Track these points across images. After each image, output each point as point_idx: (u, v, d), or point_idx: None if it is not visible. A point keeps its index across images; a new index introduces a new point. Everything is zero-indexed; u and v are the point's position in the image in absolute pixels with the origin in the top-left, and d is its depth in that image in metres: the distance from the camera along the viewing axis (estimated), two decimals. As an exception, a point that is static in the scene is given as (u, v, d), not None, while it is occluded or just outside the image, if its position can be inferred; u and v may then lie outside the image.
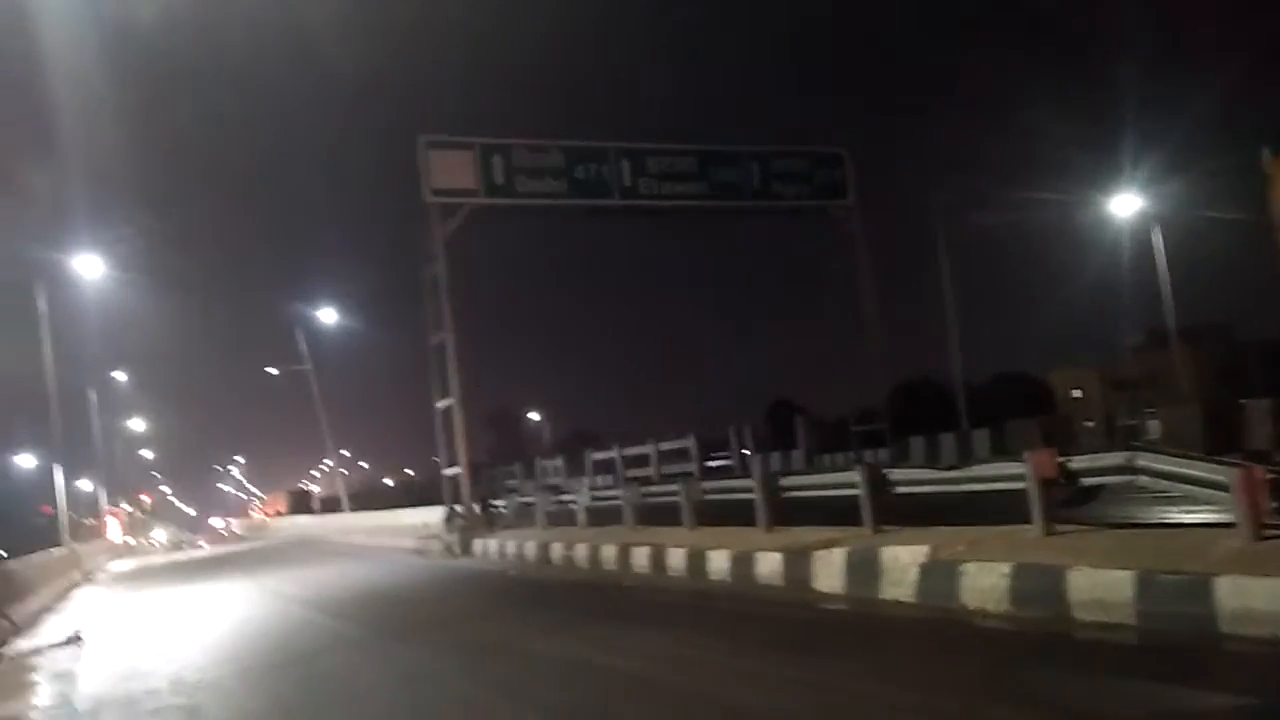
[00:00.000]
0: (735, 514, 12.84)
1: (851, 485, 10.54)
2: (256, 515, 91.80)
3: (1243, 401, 16.77)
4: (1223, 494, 7.09)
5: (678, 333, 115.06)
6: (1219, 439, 14.61)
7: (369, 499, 50.82)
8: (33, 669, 10.34)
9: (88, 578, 25.77)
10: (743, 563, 10.43)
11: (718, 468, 24.89)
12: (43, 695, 8.43)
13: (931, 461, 19.88)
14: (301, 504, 65.26)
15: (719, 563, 10.87)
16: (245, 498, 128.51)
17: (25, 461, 56.42)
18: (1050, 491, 8.49)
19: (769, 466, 24.47)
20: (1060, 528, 8.43)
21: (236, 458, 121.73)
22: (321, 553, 27.11)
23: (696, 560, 11.30)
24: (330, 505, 52.41)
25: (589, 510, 17.79)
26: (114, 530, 48.60)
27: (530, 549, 16.37)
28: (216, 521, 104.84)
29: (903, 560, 8.42)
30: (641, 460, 25.23)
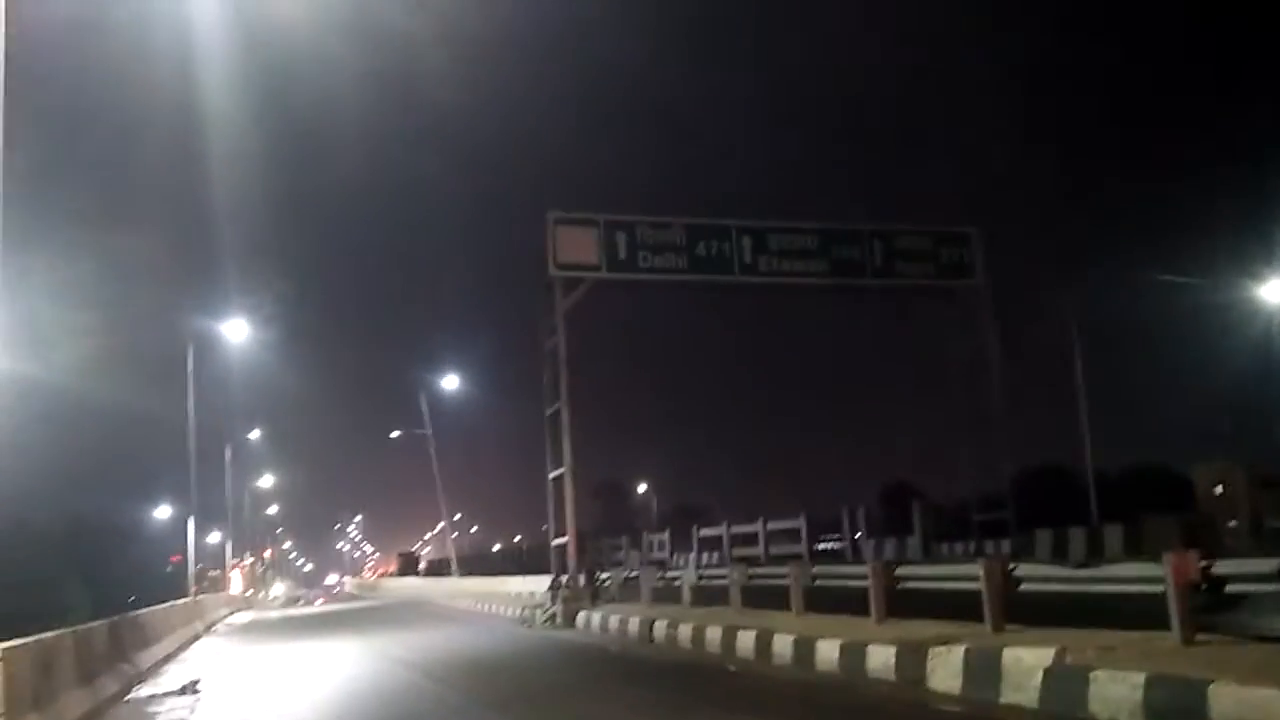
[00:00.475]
0: (846, 601, 12.39)
1: (972, 578, 10.04)
2: (369, 574, 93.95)
3: None
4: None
5: (792, 410, 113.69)
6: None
7: (477, 563, 51.45)
8: (151, 716, 10.68)
9: (209, 629, 26.71)
10: (853, 654, 10.01)
11: (828, 551, 24.25)
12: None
13: (1059, 556, 18.87)
14: (410, 566, 67.20)
15: (828, 652, 10.46)
16: (360, 556, 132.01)
17: (162, 513, 59.48)
18: (1191, 598, 7.90)
19: (883, 552, 23.69)
20: (1201, 637, 7.80)
21: (355, 517, 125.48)
22: (429, 615, 27.43)
23: (804, 648, 10.91)
24: (440, 568, 53.25)
25: (694, 588, 17.49)
26: (236, 583, 50.40)
27: (633, 625, 16.15)
28: (331, 578, 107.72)
29: (1026, 663, 7.91)
30: (750, 539, 24.78)
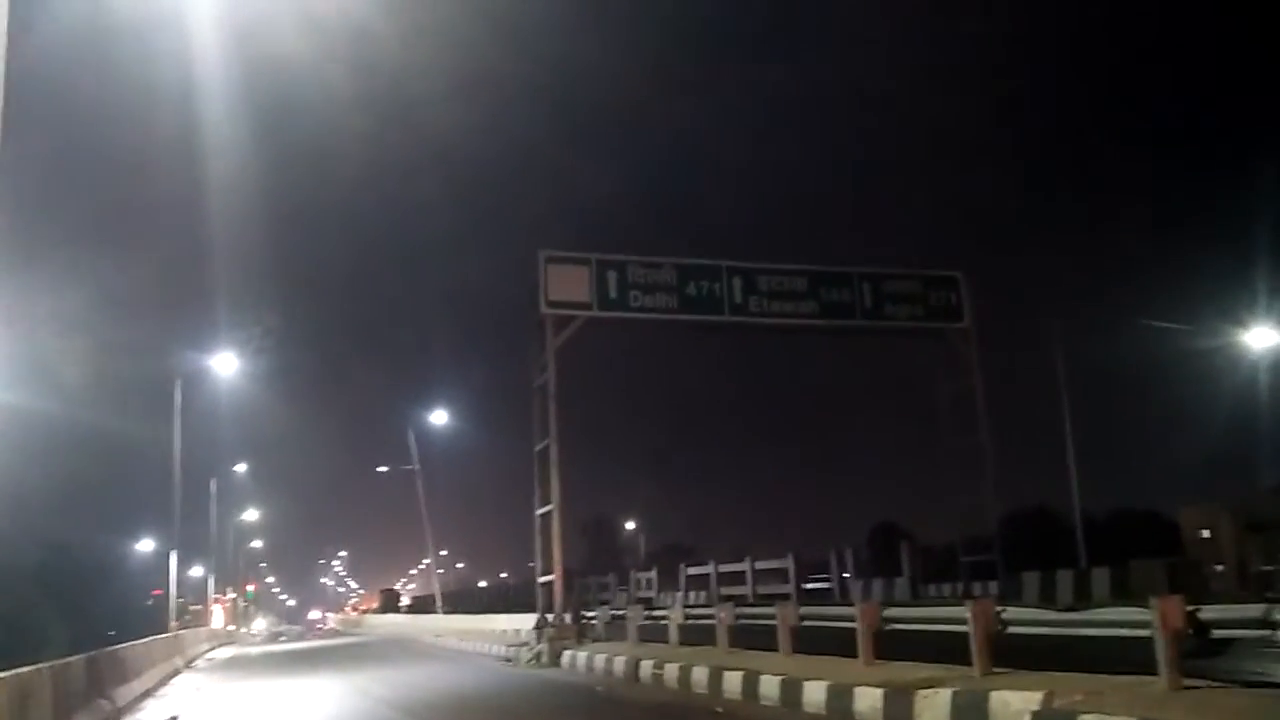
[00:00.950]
0: (834, 642, 12.33)
1: (960, 621, 10.02)
2: (352, 611, 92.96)
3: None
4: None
5: (781, 450, 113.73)
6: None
7: (462, 600, 50.98)
8: (128, 752, 10.51)
9: (189, 664, 26.34)
10: (840, 696, 9.96)
11: (816, 590, 24.13)
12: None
13: (1046, 599, 18.83)
14: (391, 603, 67.06)
15: (815, 694, 10.40)
16: (343, 591, 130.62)
17: (144, 546, 58.88)
18: (1178, 642, 7.90)
19: (871, 593, 23.59)
20: (1188, 682, 7.80)
21: (340, 552, 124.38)
22: (412, 653, 27.13)
23: (791, 689, 10.85)
24: (424, 604, 52.75)
25: (681, 627, 17.39)
26: (218, 618, 49.79)
27: (619, 664, 16.02)
28: (314, 614, 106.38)
29: (1014, 707, 7.89)
30: (737, 577, 24.67)
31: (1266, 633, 7.58)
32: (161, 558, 38.23)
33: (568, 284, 21.88)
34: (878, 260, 25.56)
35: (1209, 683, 7.91)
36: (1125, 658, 8.46)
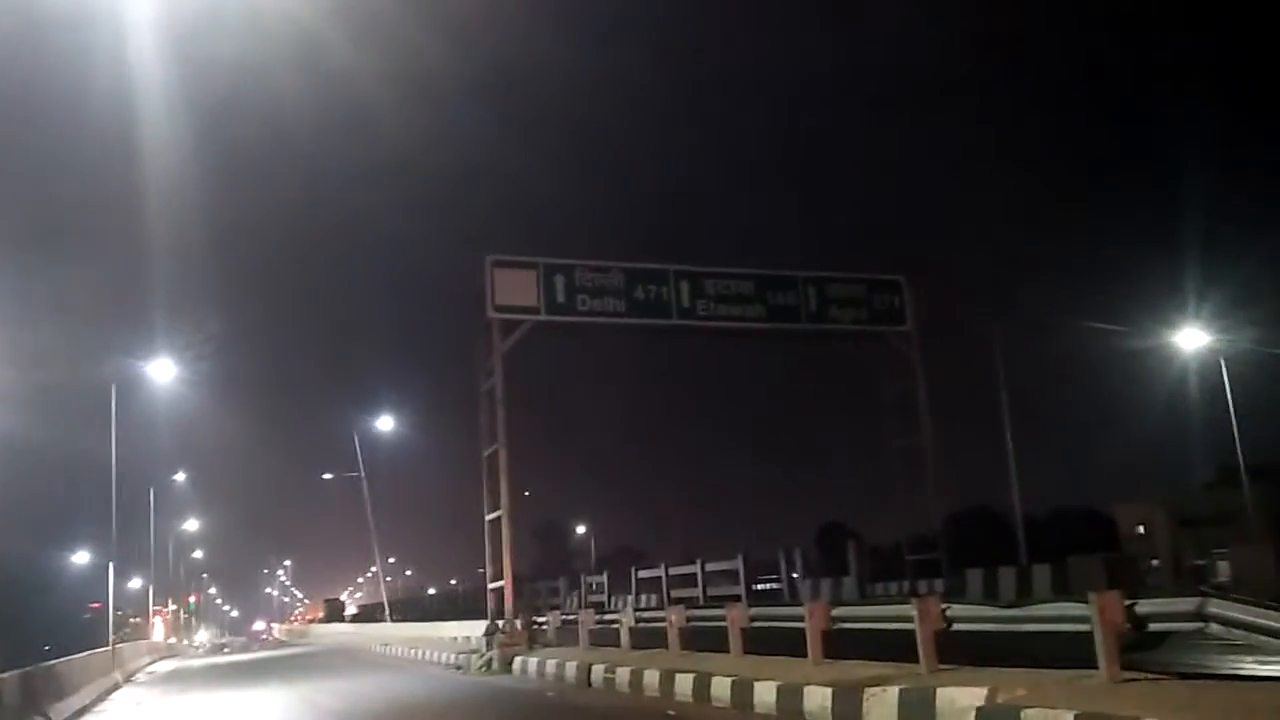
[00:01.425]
0: (784, 642, 12.43)
1: (907, 619, 10.18)
2: (298, 621, 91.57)
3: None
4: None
5: (730, 452, 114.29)
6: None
7: (411, 607, 50.44)
8: (66, 771, 10.24)
9: (128, 679, 25.73)
10: (791, 695, 10.05)
11: (766, 591, 24.30)
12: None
13: (990, 595, 19.18)
14: (335, 613, 66.62)
15: (765, 695, 10.48)
16: (288, 601, 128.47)
17: (80, 559, 57.30)
18: (1117, 636, 8.11)
19: (819, 593, 23.82)
20: (1126, 675, 8.01)
21: (284, 561, 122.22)
22: (360, 662, 26.78)
23: (742, 690, 10.92)
24: (372, 613, 52.15)
25: (633, 630, 17.40)
26: (158, 631, 48.68)
27: (571, 669, 15.99)
28: (259, 625, 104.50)
29: (959, 703, 8.04)
30: (688, 580, 24.74)
31: (1200, 625, 7.81)
32: (99, 570, 37.27)
33: (514, 288, 21.80)
34: (824, 264, 25.89)
35: (1147, 675, 8.13)
36: (1066, 652, 8.65)
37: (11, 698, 11.63)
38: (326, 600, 76.71)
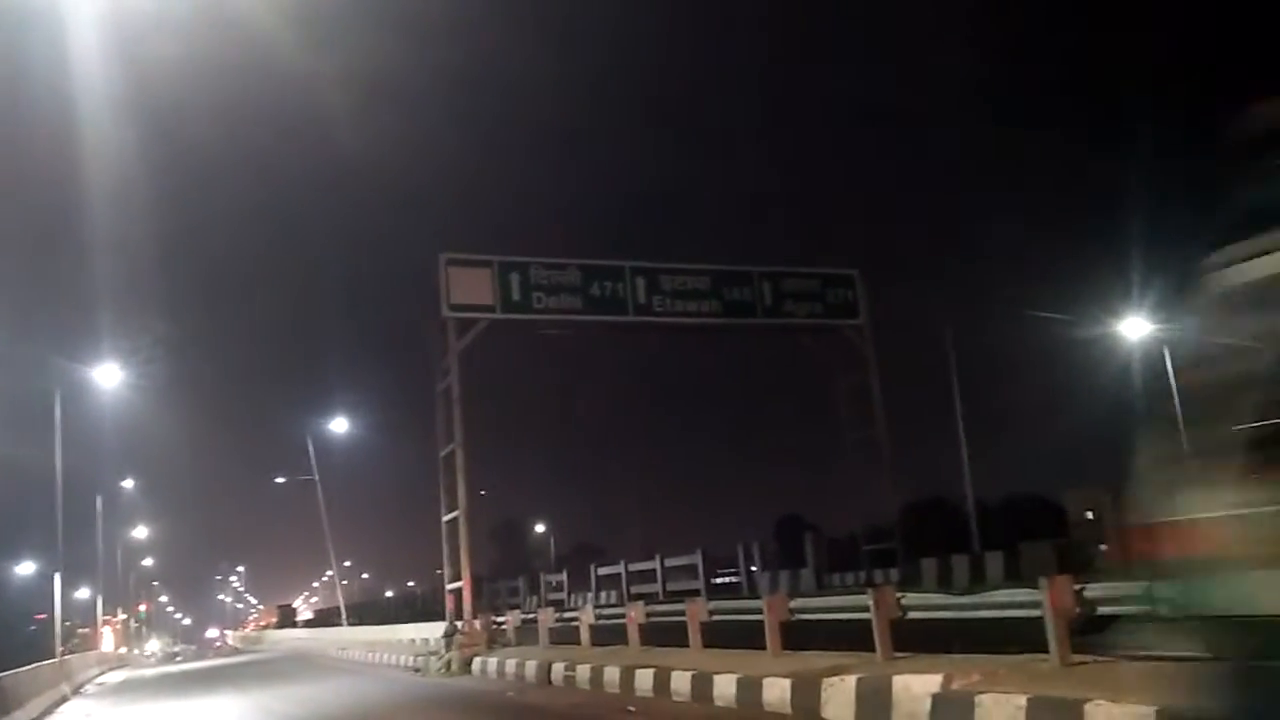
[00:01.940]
0: (743, 635, 12.51)
1: (863, 609, 10.29)
2: (252, 627, 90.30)
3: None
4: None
5: (686, 448, 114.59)
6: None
7: (368, 611, 49.98)
8: (13, 787, 10.00)
9: (77, 691, 25.17)
10: (750, 688, 10.12)
11: (725, 585, 24.47)
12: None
13: (944, 583, 19.48)
14: (287, 619, 66.16)
15: (725, 687, 10.54)
16: (242, 608, 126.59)
17: (24, 569, 55.88)
18: (1067, 620, 8.27)
19: (777, 585, 24.03)
20: (1077, 658, 8.18)
21: (237, 567, 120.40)
22: (317, 668, 26.47)
23: (702, 683, 10.97)
24: (329, 617, 51.57)
25: (593, 628, 17.39)
26: (108, 641, 47.67)
27: (531, 668, 15.94)
28: (212, 632, 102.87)
29: (914, 690, 8.14)
30: (647, 576, 24.83)
31: (1148, 608, 7.99)
32: (45, 580, 36.41)
33: (470, 287, 21.63)
34: (779, 259, 26.07)
35: (1096, 658, 8.30)
36: (1019, 637, 8.81)
37: (-46, 713, 11.32)
38: (279, 606, 76.04)
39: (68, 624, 33.35)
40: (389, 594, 74.21)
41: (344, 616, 43.47)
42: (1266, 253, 3.30)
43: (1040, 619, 8.35)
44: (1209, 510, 3.44)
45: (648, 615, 15.63)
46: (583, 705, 12.24)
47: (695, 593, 20.24)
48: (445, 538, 21.87)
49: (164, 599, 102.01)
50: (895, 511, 25.49)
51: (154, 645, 77.72)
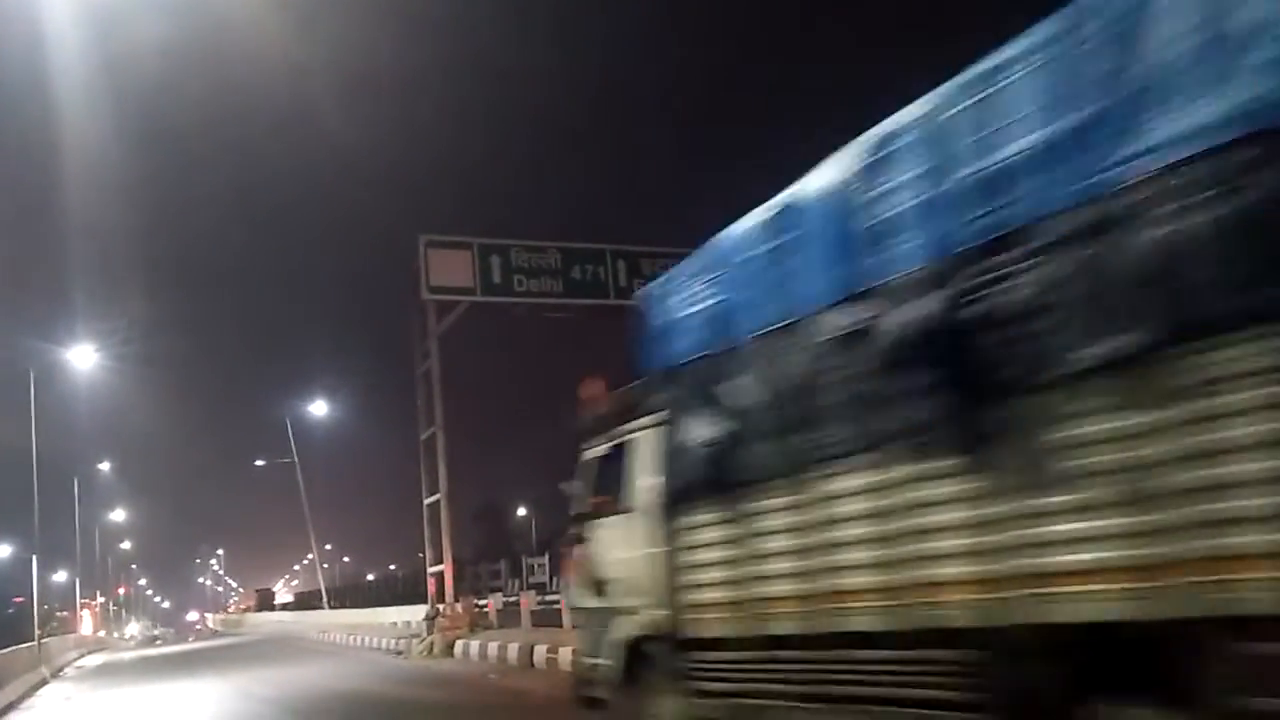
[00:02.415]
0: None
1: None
2: (233, 611, 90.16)
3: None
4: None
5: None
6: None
7: (350, 594, 49.88)
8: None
9: (56, 674, 25.06)
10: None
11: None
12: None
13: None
14: (266, 602, 66.39)
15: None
16: (222, 591, 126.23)
17: (1, 552, 55.46)
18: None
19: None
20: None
21: (217, 550, 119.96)
22: (298, 650, 26.44)
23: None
24: (310, 600, 51.51)
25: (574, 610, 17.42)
26: (87, 624, 47.42)
27: (513, 651, 15.98)
28: (192, 616, 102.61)
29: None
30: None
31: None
32: (21, 563, 36.18)
33: (449, 269, 21.52)
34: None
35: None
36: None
37: (-70, 698, 11.25)
38: (258, 591, 75.99)
39: (46, 607, 33.13)
40: (370, 577, 74.16)
41: (325, 600, 43.43)
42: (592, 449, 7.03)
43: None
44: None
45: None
46: (565, 687, 12.28)
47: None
48: (426, 521, 21.85)
49: (143, 582, 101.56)
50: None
51: (133, 628, 77.51)
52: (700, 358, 5.56)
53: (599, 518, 6.76)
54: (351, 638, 27.15)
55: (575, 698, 7.21)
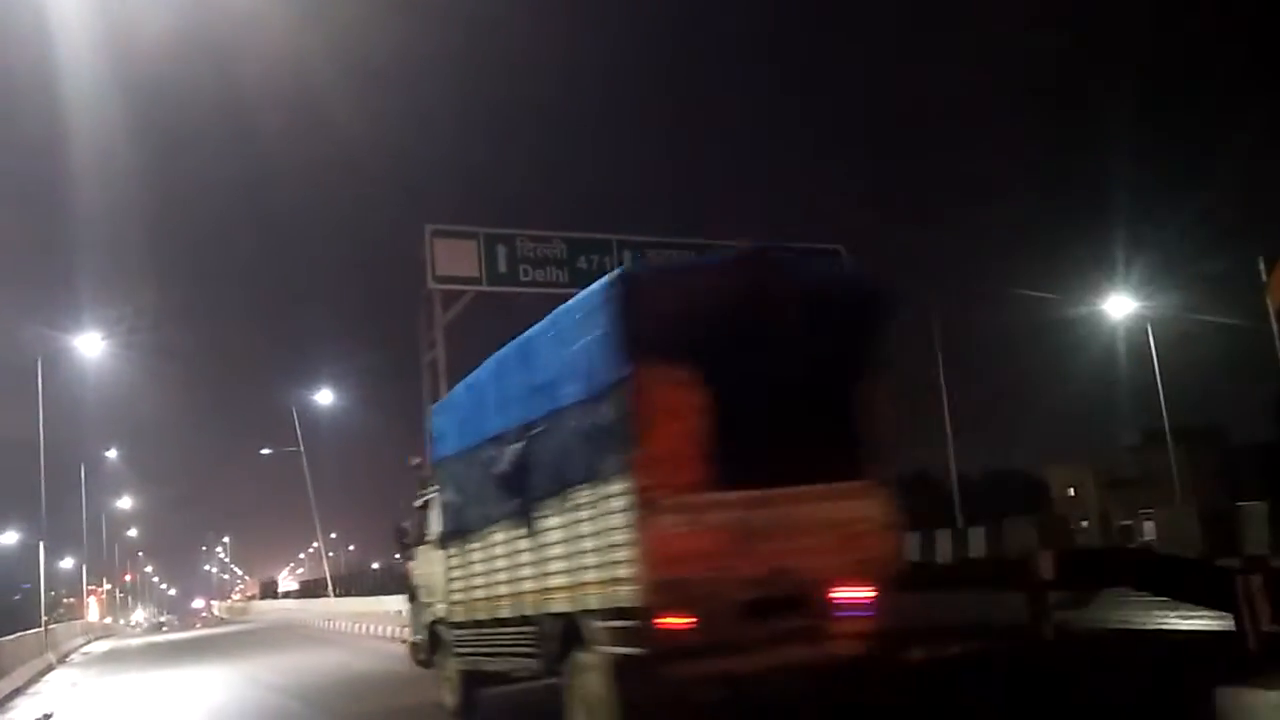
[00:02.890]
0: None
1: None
2: (238, 598, 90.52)
3: (1239, 504, 16.66)
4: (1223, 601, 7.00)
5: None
6: (1216, 542, 14.46)
7: (355, 582, 50.05)
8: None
9: (63, 660, 25.21)
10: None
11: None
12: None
13: (927, 557, 19.62)
14: (269, 591, 67.02)
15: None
16: (228, 579, 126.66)
17: (8, 538, 55.71)
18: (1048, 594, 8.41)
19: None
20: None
21: (223, 538, 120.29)
22: (303, 638, 26.56)
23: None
24: (315, 588, 51.71)
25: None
26: (93, 610, 47.69)
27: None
28: (198, 603, 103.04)
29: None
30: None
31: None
32: (28, 550, 36.35)
33: (455, 258, 21.50)
34: (764, 234, 25.98)
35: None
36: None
37: (-62, 682, 11.33)
38: (261, 582, 76.67)
39: (53, 594, 33.33)
40: (375, 566, 74.42)
41: (330, 588, 43.59)
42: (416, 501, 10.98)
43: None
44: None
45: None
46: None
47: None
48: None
49: (149, 569, 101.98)
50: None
51: (139, 615, 77.89)
52: (448, 455, 9.14)
53: (418, 546, 10.48)
54: (356, 626, 27.26)
55: (413, 660, 10.96)
